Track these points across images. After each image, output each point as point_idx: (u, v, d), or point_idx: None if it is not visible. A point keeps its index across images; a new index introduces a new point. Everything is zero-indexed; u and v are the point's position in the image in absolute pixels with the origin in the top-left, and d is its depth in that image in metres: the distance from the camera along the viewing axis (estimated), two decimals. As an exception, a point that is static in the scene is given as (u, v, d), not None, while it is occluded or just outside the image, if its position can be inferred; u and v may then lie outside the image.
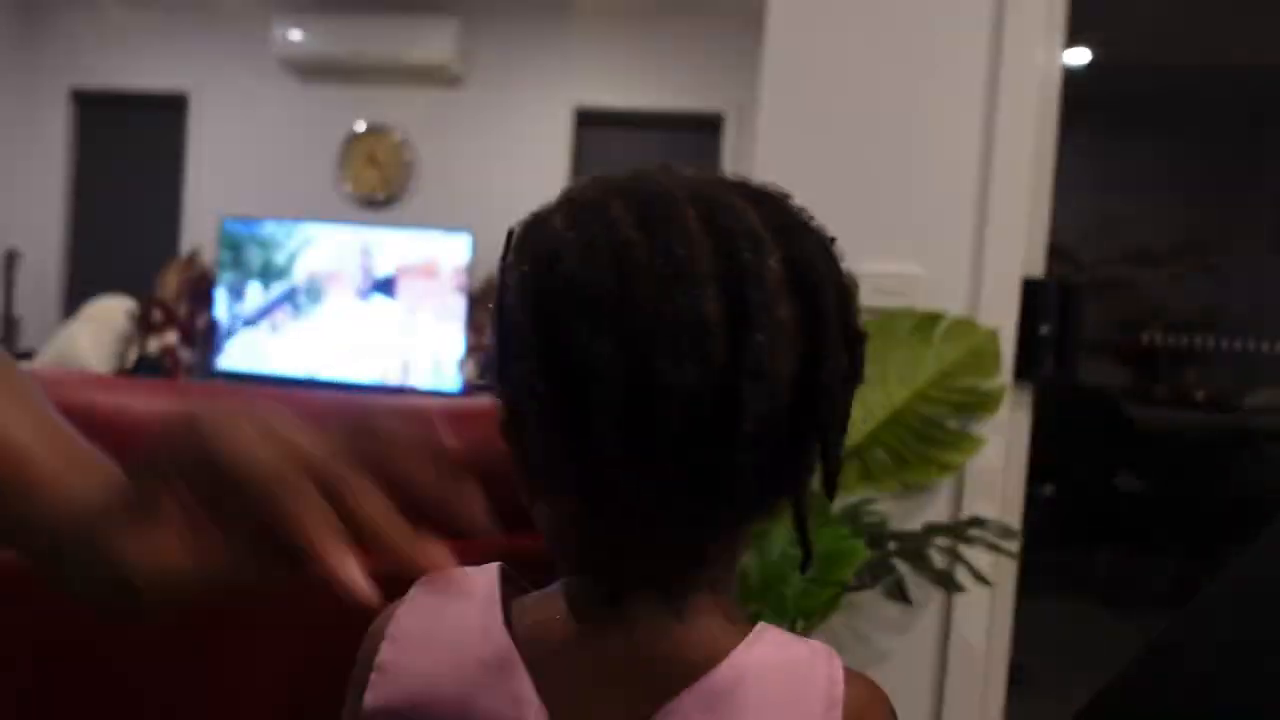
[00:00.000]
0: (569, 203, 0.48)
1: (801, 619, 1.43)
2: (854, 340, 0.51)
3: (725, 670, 0.48)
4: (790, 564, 1.33)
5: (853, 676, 0.51)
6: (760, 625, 0.51)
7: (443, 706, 0.50)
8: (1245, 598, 0.51)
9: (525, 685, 0.49)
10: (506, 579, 0.54)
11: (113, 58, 4.43)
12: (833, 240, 0.51)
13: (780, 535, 1.38)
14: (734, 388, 0.43)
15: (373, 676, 0.52)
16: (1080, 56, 3.88)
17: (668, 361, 0.42)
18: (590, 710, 0.49)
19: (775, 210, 0.48)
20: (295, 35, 4.09)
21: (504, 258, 0.50)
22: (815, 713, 0.49)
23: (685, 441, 0.43)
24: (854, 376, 0.51)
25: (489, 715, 0.49)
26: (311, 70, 4.21)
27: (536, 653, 0.49)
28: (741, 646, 0.49)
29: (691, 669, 0.48)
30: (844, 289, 0.50)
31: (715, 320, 0.43)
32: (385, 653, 0.52)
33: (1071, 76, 1.71)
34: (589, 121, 4.14)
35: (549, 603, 0.52)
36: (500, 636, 0.50)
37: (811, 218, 0.50)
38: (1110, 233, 5.05)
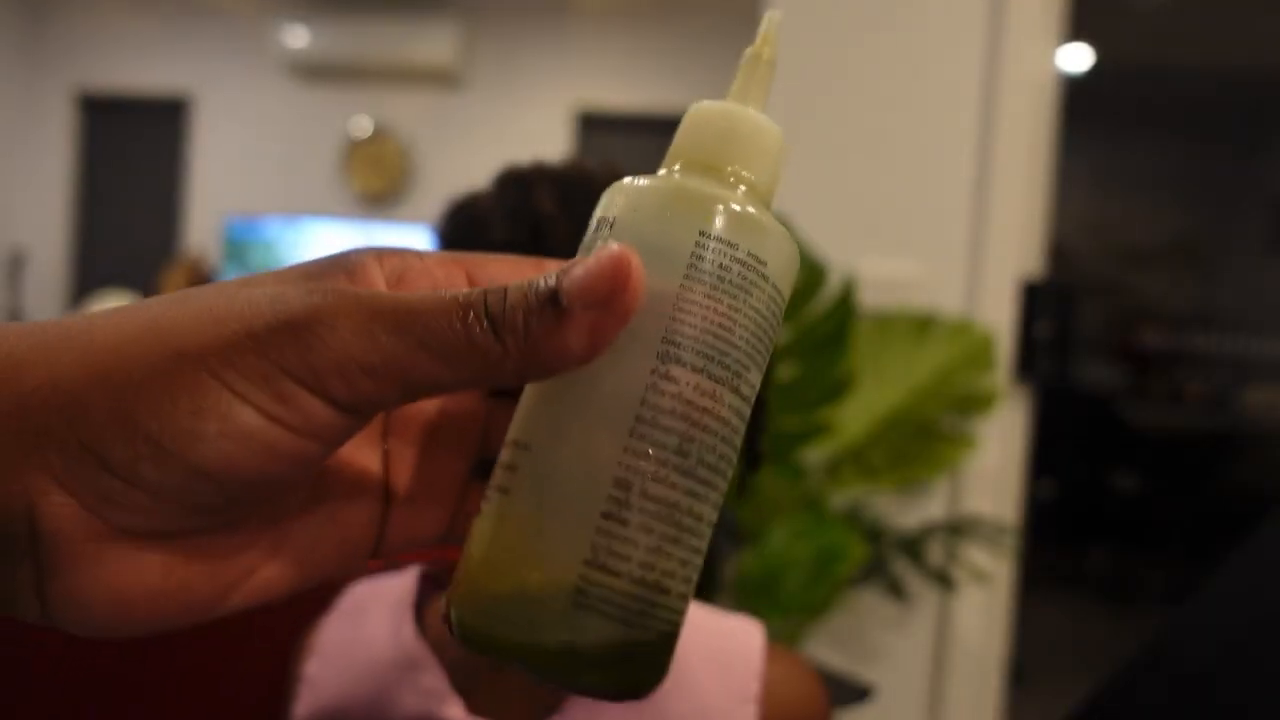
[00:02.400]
0: (501, 181, 0.50)
1: (800, 616, 1.44)
2: None
3: None
4: (789, 563, 1.34)
5: (776, 654, 0.51)
6: None
7: (360, 710, 0.51)
8: (1240, 597, 0.51)
9: (437, 679, 0.50)
10: (434, 581, 0.55)
11: (116, 59, 4.44)
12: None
13: (779, 535, 1.39)
14: None
15: (299, 688, 0.54)
16: (1079, 57, 3.89)
17: None
18: (506, 696, 0.50)
19: None
20: (297, 37, 4.10)
21: (436, 229, 0.51)
22: (733, 688, 0.48)
23: None
24: (767, 380, 0.52)
25: (404, 713, 0.50)
26: (313, 71, 4.22)
27: (452, 646, 0.50)
28: None
29: None
30: None
31: None
32: (310, 665, 0.54)
33: (1070, 77, 1.72)
34: (589, 122, 4.15)
35: None
36: (410, 637, 0.51)
37: None
38: (1107, 233, 5.06)
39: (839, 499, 1.60)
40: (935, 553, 1.57)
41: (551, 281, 0.24)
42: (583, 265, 0.24)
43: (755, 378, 0.26)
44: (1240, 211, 5.06)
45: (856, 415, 1.57)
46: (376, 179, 4.23)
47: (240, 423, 0.22)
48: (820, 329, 1.46)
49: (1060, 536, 3.93)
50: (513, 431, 0.26)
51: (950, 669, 1.65)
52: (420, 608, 0.53)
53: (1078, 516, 3.88)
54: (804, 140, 1.68)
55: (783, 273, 0.27)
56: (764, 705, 0.49)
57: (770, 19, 0.29)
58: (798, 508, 1.51)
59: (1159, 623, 0.55)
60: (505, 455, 0.26)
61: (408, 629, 0.52)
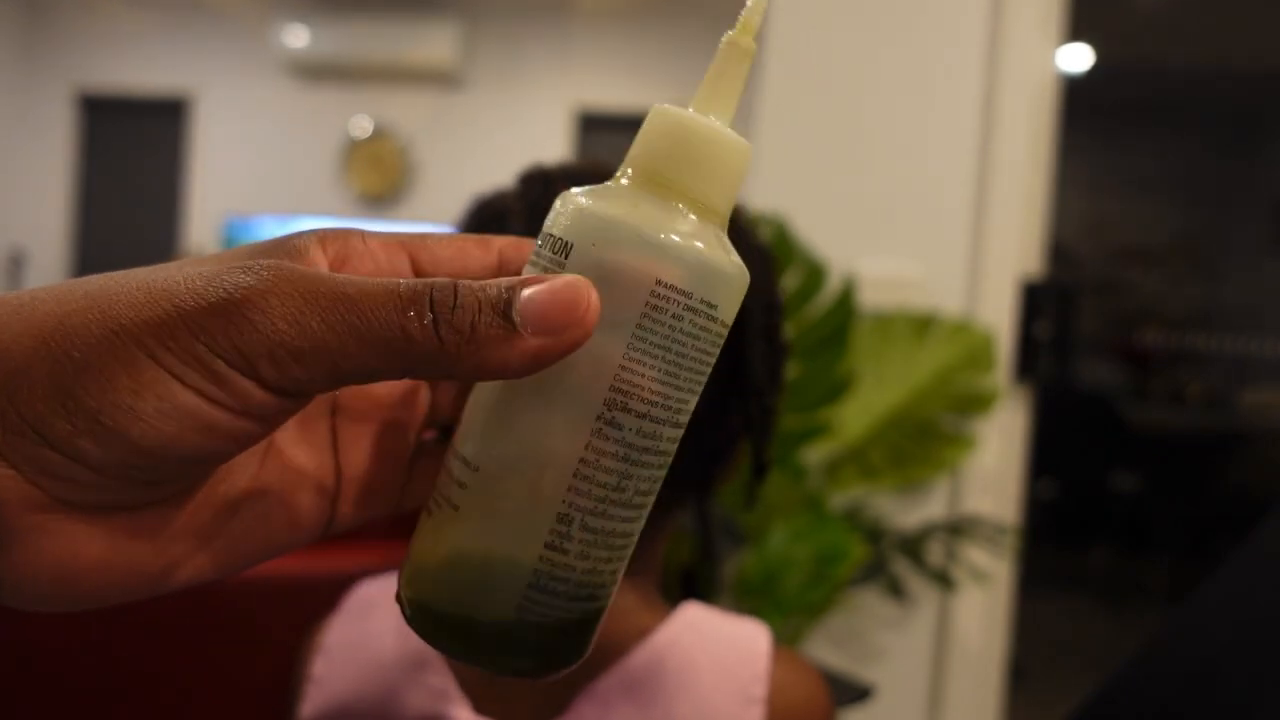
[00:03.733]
0: (525, 178, 0.51)
1: (800, 616, 1.44)
2: (777, 351, 0.53)
3: (643, 652, 0.49)
4: (789, 563, 1.34)
5: (782, 656, 0.51)
6: (682, 606, 0.52)
7: (367, 709, 0.51)
8: (1241, 596, 0.50)
9: (445, 679, 0.50)
10: None
11: (116, 59, 4.44)
12: (773, 260, 0.53)
13: (779, 535, 1.39)
14: None
15: (307, 688, 0.54)
16: (1080, 57, 3.89)
17: None
18: (512, 696, 0.50)
19: None
20: (297, 37, 4.10)
21: (458, 225, 0.52)
22: (738, 690, 0.48)
23: None
24: (777, 386, 0.52)
25: (411, 712, 0.50)
26: (314, 71, 4.22)
27: None
28: (660, 629, 0.50)
29: (608, 651, 0.49)
30: (773, 304, 0.52)
31: None
32: (317, 664, 0.54)
33: (1070, 77, 1.72)
34: (589, 122, 4.15)
35: None
36: (417, 637, 0.51)
37: (756, 232, 0.52)
38: (1107, 233, 5.06)
39: (839, 499, 1.61)
40: (935, 553, 1.57)
41: (506, 294, 0.24)
42: (543, 291, 0.24)
43: (693, 404, 0.27)
44: (1240, 211, 5.06)
45: (856, 415, 1.57)
46: (376, 179, 4.23)
47: (178, 402, 0.22)
48: (820, 329, 1.46)
49: (1060, 536, 3.93)
50: (464, 445, 0.27)
51: (950, 669, 1.65)
52: None
53: (1078, 516, 3.88)
54: (804, 140, 1.68)
55: (731, 306, 0.27)
56: (769, 707, 0.49)
57: (756, 4, 0.28)
58: (798, 508, 1.51)
59: (1159, 623, 0.55)
60: (456, 469, 0.27)
61: None
